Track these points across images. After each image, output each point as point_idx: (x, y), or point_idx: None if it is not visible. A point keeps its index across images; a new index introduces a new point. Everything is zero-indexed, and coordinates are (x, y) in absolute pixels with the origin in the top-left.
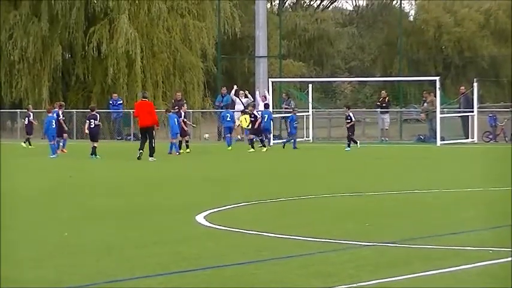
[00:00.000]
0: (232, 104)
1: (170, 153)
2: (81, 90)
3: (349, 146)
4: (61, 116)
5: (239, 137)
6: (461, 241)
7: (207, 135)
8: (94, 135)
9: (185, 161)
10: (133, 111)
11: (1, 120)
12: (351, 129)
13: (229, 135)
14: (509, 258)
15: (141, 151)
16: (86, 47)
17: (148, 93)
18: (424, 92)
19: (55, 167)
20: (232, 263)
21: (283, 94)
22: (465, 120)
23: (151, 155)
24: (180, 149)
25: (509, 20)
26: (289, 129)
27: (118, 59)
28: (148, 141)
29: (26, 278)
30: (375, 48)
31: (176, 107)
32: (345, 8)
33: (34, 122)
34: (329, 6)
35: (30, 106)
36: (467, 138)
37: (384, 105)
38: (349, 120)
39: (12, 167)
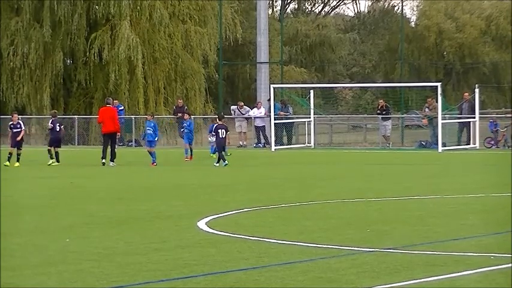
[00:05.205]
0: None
1: (187, 158)
2: (82, 96)
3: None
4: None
5: (241, 143)
6: (462, 247)
7: (213, 138)
8: None
9: (187, 168)
10: (135, 117)
11: (2, 126)
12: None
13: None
14: (510, 265)
15: (104, 161)
16: (88, 53)
17: (151, 98)
18: (429, 99)
19: (56, 173)
20: (234, 269)
21: (280, 101)
22: (462, 126)
23: (112, 160)
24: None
25: (510, 26)
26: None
27: (119, 65)
28: (110, 146)
29: (27, 284)
30: (376, 54)
31: (179, 114)
32: (346, 14)
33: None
34: (330, 12)
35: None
36: (461, 144)
37: (383, 112)
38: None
39: (13, 173)
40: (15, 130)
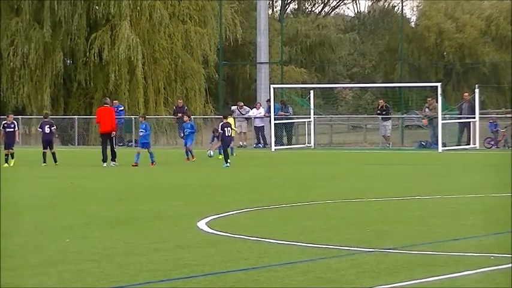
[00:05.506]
0: None
1: (188, 158)
2: (82, 96)
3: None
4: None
5: (241, 143)
6: (462, 247)
7: (211, 152)
8: None
9: (187, 168)
10: (134, 118)
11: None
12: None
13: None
14: (510, 265)
15: (105, 164)
16: (88, 53)
17: (151, 99)
18: (429, 99)
19: (56, 173)
20: (234, 269)
21: (280, 102)
22: (462, 126)
23: (113, 159)
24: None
25: (510, 26)
26: None
27: (119, 65)
28: (110, 146)
29: (27, 284)
30: (376, 55)
31: (179, 114)
32: (346, 14)
33: None
34: (331, 13)
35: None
36: (461, 144)
37: (383, 112)
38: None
39: (13, 174)
40: (8, 130)
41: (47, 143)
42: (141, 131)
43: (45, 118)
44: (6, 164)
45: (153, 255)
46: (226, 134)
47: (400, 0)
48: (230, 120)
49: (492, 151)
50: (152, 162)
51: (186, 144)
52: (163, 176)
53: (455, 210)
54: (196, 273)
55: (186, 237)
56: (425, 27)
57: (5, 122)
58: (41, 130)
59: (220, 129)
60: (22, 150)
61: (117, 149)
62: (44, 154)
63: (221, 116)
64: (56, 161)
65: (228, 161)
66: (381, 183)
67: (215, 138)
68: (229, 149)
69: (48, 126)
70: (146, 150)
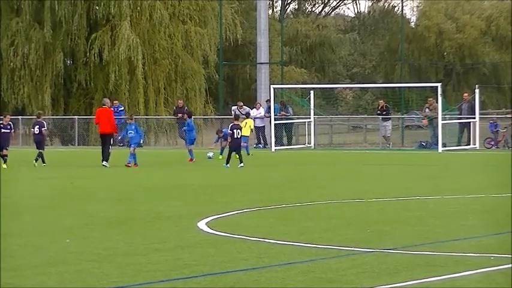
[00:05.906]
0: None
1: (192, 159)
2: (82, 96)
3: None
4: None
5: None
6: (462, 248)
7: (211, 154)
8: None
9: (187, 168)
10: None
11: None
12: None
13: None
14: (510, 265)
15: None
16: (88, 54)
17: (151, 99)
18: (430, 99)
19: (56, 174)
20: (234, 269)
21: (279, 102)
22: (462, 127)
23: (106, 160)
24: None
25: (510, 26)
26: None
27: (120, 65)
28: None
29: (28, 284)
30: (376, 55)
31: (179, 114)
32: (346, 14)
33: None
34: (331, 13)
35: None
36: (461, 144)
37: (384, 113)
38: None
39: (12, 174)
40: (3, 131)
41: (36, 143)
42: (130, 132)
43: (37, 118)
44: (4, 165)
45: (153, 256)
46: (235, 136)
47: (400, 0)
48: (248, 121)
49: (492, 151)
50: (129, 163)
51: (186, 144)
52: (163, 176)
53: (456, 211)
54: (196, 274)
55: (186, 237)
56: (426, 27)
57: (1, 122)
58: (32, 130)
59: (229, 129)
60: (22, 151)
61: (117, 149)
62: (41, 154)
63: (221, 117)
64: (36, 160)
65: (242, 163)
66: (381, 183)
67: (220, 139)
68: (244, 150)
69: (38, 126)
70: (133, 148)
